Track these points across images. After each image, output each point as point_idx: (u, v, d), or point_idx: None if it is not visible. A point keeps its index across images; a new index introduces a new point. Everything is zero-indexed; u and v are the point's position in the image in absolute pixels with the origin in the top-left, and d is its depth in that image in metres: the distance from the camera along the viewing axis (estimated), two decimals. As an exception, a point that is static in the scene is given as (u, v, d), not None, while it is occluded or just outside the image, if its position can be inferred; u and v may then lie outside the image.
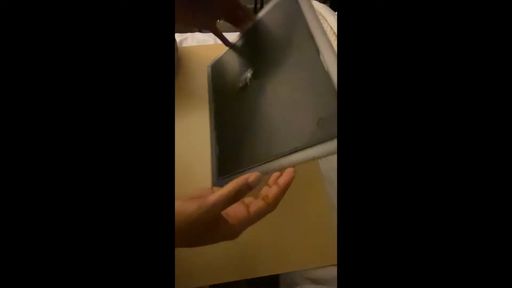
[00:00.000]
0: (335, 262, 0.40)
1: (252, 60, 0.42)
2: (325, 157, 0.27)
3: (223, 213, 0.26)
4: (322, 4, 0.62)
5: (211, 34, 0.67)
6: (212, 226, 0.25)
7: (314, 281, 0.41)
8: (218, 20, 0.45)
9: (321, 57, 0.29)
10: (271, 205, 0.27)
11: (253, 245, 0.41)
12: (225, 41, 0.47)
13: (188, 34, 0.67)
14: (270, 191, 0.27)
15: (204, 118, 0.51)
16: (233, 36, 0.48)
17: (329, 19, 0.58)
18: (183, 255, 0.39)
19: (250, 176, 0.25)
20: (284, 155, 0.30)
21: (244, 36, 0.46)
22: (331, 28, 0.57)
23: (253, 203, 0.27)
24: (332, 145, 0.25)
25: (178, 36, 0.66)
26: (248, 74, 0.41)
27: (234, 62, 0.48)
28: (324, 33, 0.30)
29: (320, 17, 0.58)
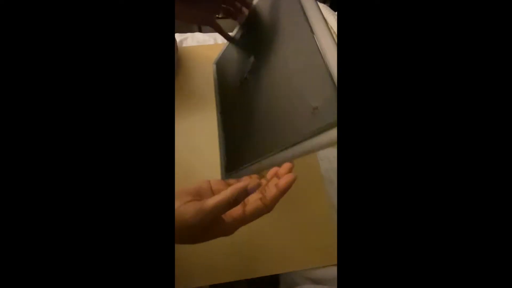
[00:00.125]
0: (335, 262, 0.40)
1: (251, 52, 0.42)
2: (323, 149, 0.26)
3: None
4: (322, 4, 0.62)
5: (211, 34, 0.67)
6: (207, 229, 0.25)
7: (314, 281, 0.41)
8: (217, 15, 0.45)
9: (315, 39, 0.27)
10: (268, 207, 0.27)
11: (253, 245, 0.41)
12: (225, 35, 0.47)
13: (188, 34, 0.67)
14: (268, 192, 0.27)
15: (204, 118, 0.51)
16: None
17: (329, 19, 0.58)
18: (183, 255, 0.39)
19: (250, 182, 0.25)
20: (283, 149, 0.29)
21: (242, 28, 0.46)
22: (331, 28, 0.57)
23: (250, 202, 0.27)
24: (329, 136, 0.24)
25: (178, 36, 0.66)
26: (248, 67, 0.41)
27: (235, 56, 0.48)
28: (320, 16, 0.28)
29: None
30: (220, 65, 0.54)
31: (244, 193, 0.25)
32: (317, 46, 0.26)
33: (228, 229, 0.26)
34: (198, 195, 0.28)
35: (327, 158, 0.49)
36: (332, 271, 0.40)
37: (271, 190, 0.26)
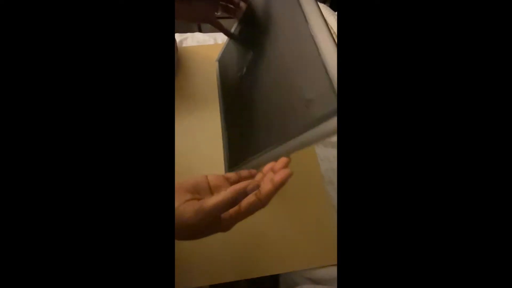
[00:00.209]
0: (335, 262, 0.40)
1: (249, 47, 0.42)
2: (318, 141, 0.26)
3: None
4: (322, 4, 0.62)
5: (211, 34, 0.67)
6: (205, 228, 0.26)
7: (314, 281, 0.41)
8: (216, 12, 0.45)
9: (311, 33, 0.26)
10: (263, 202, 0.26)
11: (253, 245, 0.41)
12: (225, 31, 0.47)
13: (188, 34, 0.67)
14: (263, 187, 0.26)
15: (204, 118, 0.51)
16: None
17: (329, 19, 0.58)
18: (183, 254, 0.39)
19: (250, 184, 0.25)
20: (281, 144, 0.29)
21: (241, 23, 0.46)
22: (331, 28, 0.57)
23: (245, 198, 0.27)
24: (322, 128, 0.24)
25: (178, 36, 0.66)
26: (247, 62, 0.41)
27: (235, 52, 0.48)
28: (316, 9, 0.27)
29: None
30: (222, 62, 0.54)
31: (243, 194, 0.25)
32: (312, 39, 0.26)
33: (225, 225, 0.26)
34: (196, 191, 0.28)
35: (327, 158, 0.49)
36: (332, 271, 0.40)
37: (266, 186, 0.26)
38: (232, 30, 0.48)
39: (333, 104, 0.22)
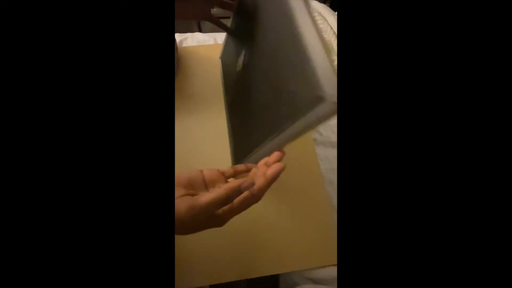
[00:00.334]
0: (335, 262, 0.40)
1: (244, 42, 0.42)
2: (306, 132, 0.26)
3: None
4: (322, 4, 0.62)
5: (211, 34, 0.67)
6: (199, 224, 0.26)
7: (314, 281, 0.41)
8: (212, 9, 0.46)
9: (295, 25, 0.26)
10: (256, 197, 0.26)
11: (253, 245, 0.41)
12: (223, 26, 0.48)
13: (188, 34, 0.67)
14: (256, 182, 0.27)
15: (204, 118, 0.51)
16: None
17: (329, 19, 0.58)
18: (183, 255, 0.39)
19: (243, 183, 0.25)
20: (274, 137, 0.29)
21: (235, 17, 0.46)
22: (331, 28, 0.57)
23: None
24: (307, 118, 0.24)
25: (178, 36, 0.66)
26: (242, 56, 0.41)
27: (233, 47, 0.48)
28: (302, 2, 0.27)
29: (320, 17, 0.58)
30: (223, 58, 0.54)
31: (237, 191, 0.25)
32: (295, 30, 0.26)
33: (219, 221, 0.26)
34: (191, 186, 0.28)
35: (327, 158, 0.49)
36: (332, 271, 0.40)
37: (259, 180, 0.26)
38: (229, 24, 0.48)
39: (315, 93, 0.22)
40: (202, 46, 0.63)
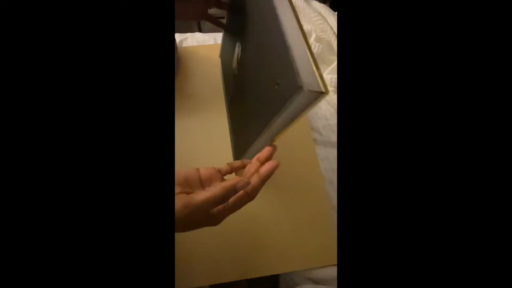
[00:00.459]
0: (335, 262, 0.40)
1: (237, 38, 0.42)
2: (291, 122, 0.26)
3: None
4: (322, 4, 0.62)
5: (211, 34, 0.67)
6: (194, 222, 0.26)
7: (314, 281, 0.41)
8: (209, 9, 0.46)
9: (278, 18, 0.26)
10: (250, 195, 0.27)
11: (253, 245, 0.41)
12: (221, 25, 0.48)
13: (188, 34, 0.67)
14: (251, 179, 0.27)
15: (204, 118, 0.51)
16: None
17: (329, 19, 0.58)
18: (183, 255, 0.39)
19: (239, 182, 0.25)
20: (266, 130, 0.29)
21: (229, 14, 0.47)
22: (331, 28, 0.57)
23: None
24: (290, 108, 0.24)
25: (178, 36, 0.66)
26: (236, 52, 0.41)
27: (228, 44, 0.49)
28: None
29: (320, 17, 0.58)
30: (222, 57, 0.55)
31: (233, 191, 0.25)
32: (279, 23, 0.26)
33: (214, 220, 0.27)
34: (187, 184, 0.28)
35: (327, 158, 0.49)
36: (332, 271, 0.40)
37: (253, 179, 0.26)
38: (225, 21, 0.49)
39: (293, 83, 0.22)
40: (202, 46, 0.63)
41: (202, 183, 0.29)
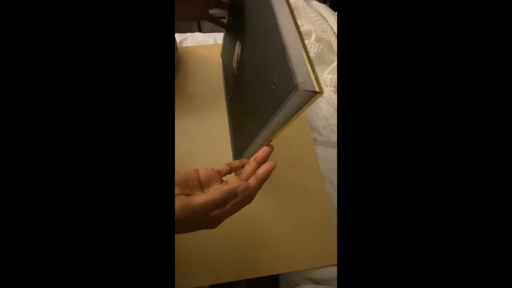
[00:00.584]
0: (335, 262, 0.40)
1: (237, 37, 0.42)
2: (288, 121, 0.25)
3: None
4: (322, 4, 0.62)
5: (211, 34, 0.67)
6: (192, 224, 0.26)
7: (314, 281, 0.41)
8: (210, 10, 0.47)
9: (276, 18, 0.27)
10: (248, 198, 0.27)
11: (253, 245, 0.41)
12: (221, 24, 0.49)
13: (188, 34, 0.67)
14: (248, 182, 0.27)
15: (204, 118, 0.51)
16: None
17: (329, 19, 0.58)
18: (183, 255, 0.39)
19: (239, 186, 0.25)
20: (264, 129, 0.30)
21: (229, 13, 0.47)
22: (331, 28, 0.57)
23: None
24: (285, 111, 0.24)
25: (178, 36, 0.66)
26: (236, 52, 0.41)
27: (229, 44, 0.49)
28: None
29: (320, 17, 0.58)
30: (223, 56, 0.55)
31: (233, 195, 0.25)
32: (276, 22, 0.26)
33: (212, 223, 0.26)
34: (186, 186, 0.28)
35: (327, 158, 0.49)
36: (332, 271, 0.40)
37: (250, 181, 0.26)
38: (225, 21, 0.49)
39: (289, 82, 0.22)
40: (202, 46, 0.63)
41: (201, 184, 0.29)
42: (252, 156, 0.30)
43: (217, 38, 0.66)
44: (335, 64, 0.56)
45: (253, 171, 0.28)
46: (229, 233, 0.41)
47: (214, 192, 0.25)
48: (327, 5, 0.62)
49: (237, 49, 0.42)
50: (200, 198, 0.24)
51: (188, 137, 0.49)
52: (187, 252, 0.39)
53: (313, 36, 0.59)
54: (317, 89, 0.22)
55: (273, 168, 0.27)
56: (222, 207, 0.26)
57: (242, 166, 0.31)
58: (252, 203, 0.27)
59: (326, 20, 0.58)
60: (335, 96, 0.55)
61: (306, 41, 0.59)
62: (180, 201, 0.24)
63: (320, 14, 0.59)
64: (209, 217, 0.26)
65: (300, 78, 0.22)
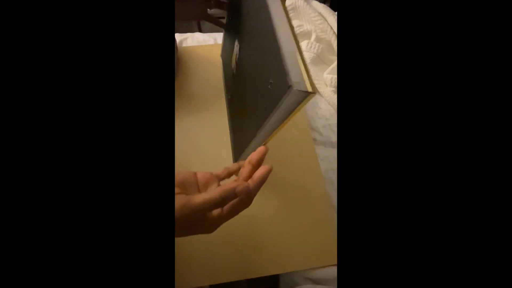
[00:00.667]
0: (335, 262, 0.40)
1: (236, 37, 0.42)
2: (282, 122, 0.25)
3: None
4: (322, 4, 0.62)
5: (211, 34, 0.67)
6: (191, 225, 0.26)
7: (314, 281, 0.41)
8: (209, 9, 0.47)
9: (271, 19, 0.27)
10: (246, 202, 0.27)
11: (253, 245, 0.41)
12: (221, 24, 0.49)
13: (188, 34, 0.67)
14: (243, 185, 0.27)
15: (204, 118, 0.51)
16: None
17: (329, 19, 0.58)
18: (183, 255, 0.39)
19: (238, 186, 0.25)
20: (260, 130, 0.29)
21: (228, 13, 0.47)
22: (331, 28, 0.57)
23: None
24: (280, 111, 0.24)
25: (178, 36, 0.66)
26: (234, 52, 0.41)
27: (229, 43, 0.49)
28: None
29: (320, 17, 0.58)
30: (223, 56, 0.55)
31: (232, 195, 0.25)
32: (271, 22, 0.26)
33: (209, 227, 0.26)
34: (184, 187, 0.28)
35: (327, 158, 0.49)
36: (332, 271, 0.40)
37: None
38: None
39: (283, 82, 0.22)
40: (202, 46, 0.63)
41: (199, 187, 0.29)
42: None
43: (217, 38, 0.66)
44: (335, 64, 0.56)
45: (249, 174, 0.28)
46: (229, 233, 0.41)
47: (213, 191, 0.25)
48: (327, 5, 0.62)
49: (236, 49, 0.42)
50: (200, 196, 0.24)
51: (188, 137, 0.49)
52: (187, 252, 0.39)
53: (313, 36, 0.59)
54: (309, 90, 0.22)
55: (270, 171, 0.27)
56: (221, 206, 0.26)
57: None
58: (252, 203, 0.27)
59: (326, 20, 0.58)
60: (335, 96, 0.55)
61: (306, 41, 0.59)
62: (179, 200, 0.24)
63: (320, 14, 0.59)
64: (207, 218, 0.26)
65: (294, 78, 0.22)
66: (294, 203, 0.44)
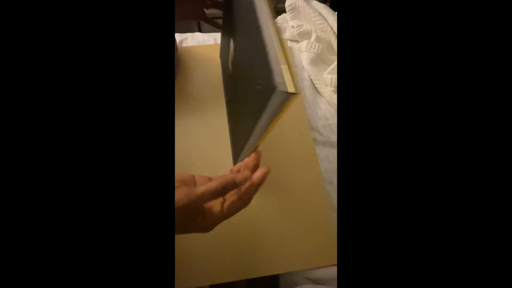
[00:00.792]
0: (335, 262, 0.40)
1: (231, 37, 0.42)
2: (272, 122, 0.25)
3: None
4: (322, 4, 0.62)
5: (211, 34, 0.67)
6: (192, 217, 0.26)
7: (314, 281, 0.41)
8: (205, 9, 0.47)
9: (258, 21, 0.26)
10: (245, 202, 0.27)
11: (253, 245, 0.41)
12: (217, 25, 0.49)
13: (188, 34, 0.67)
14: (243, 186, 0.27)
15: (204, 118, 0.51)
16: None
17: (329, 19, 0.58)
18: (183, 255, 0.39)
19: (237, 176, 0.26)
20: (252, 134, 0.29)
21: (224, 14, 0.47)
22: (331, 28, 0.57)
23: (227, 197, 0.28)
24: (267, 113, 0.24)
25: (178, 36, 0.66)
26: (230, 53, 0.41)
27: (225, 44, 0.49)
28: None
29: (320, 17, 0.58)
30: (221, 56, 0.55)
31: (232, 184, 0.26)
32: (258, 24, 0.26)
33: (207, 226, 0.27)
34: (184, 184, 0.28)
35: (327, 158, 0.49)
36: (332, 271, 0.40)
37: (246, 185, 0.27)
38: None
39: (269, 83, 0.22)
40: (202, 46, 0.63)
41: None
42: (243, 159, 0.30)
43: (217, 38, 0.66)
44: (335, 64, 0.56)
45: (246, 179, 0.28)
46: (229, 233, 0.41)
47: (214, 181, 0.26)
48: (327, 5, 0.62)
49: (231, 49, 0.42)
50: (201, 187, 0.25)
51: (188, 137, 0.49)
52: (187, 252, 0.39)
53: (313, 36, 0.59)
54: (290, 90, 0.21)
55: (268, 173, 0.27)
56: (221, 195, 0.26)
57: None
58: (252, 202, 0.27)
59: (326, 20, 0.58)
60: (335, 96, 0.55)
61: (306, 41, 0.59)
62: (183, 189, 0.25)
63: (320, 14, 0.59)
64: (206, 213, 0.26)
65: (278, 78, 0.21)
66: (294, 203, 0.44)
